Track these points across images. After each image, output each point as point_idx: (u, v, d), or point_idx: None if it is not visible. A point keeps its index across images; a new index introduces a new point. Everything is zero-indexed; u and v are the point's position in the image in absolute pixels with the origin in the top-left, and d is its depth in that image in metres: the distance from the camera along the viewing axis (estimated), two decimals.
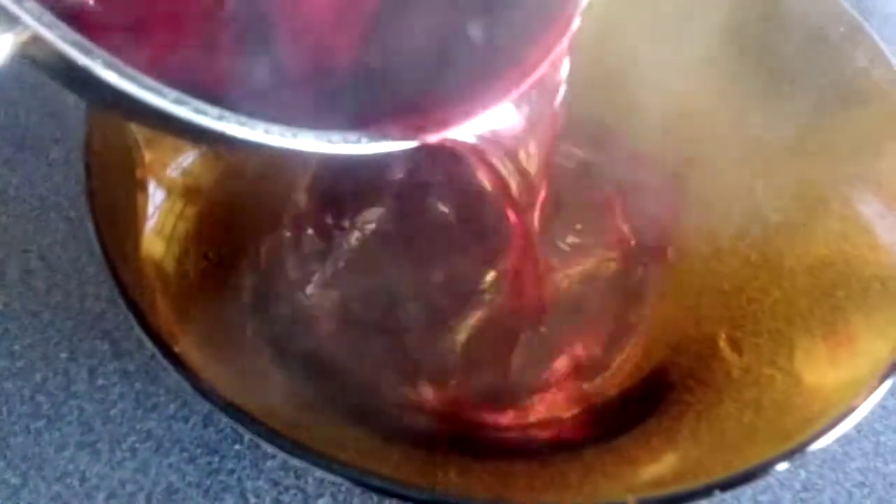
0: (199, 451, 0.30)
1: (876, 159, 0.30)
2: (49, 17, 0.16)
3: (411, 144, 0.21)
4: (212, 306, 0.28)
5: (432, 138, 0.21)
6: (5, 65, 0.16)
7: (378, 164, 0.31)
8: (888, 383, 0.23)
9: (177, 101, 0.17)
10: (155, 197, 0.28)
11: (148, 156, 0.28)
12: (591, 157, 0.37)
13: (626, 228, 0.36)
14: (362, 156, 0.21)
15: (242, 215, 0.33)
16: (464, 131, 0.22)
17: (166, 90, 0.17)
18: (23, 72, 0.18)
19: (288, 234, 0.34)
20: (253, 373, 0.26)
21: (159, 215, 0.28)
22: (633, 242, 0.35)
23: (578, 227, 0.36)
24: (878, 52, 0.30)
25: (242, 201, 0.33)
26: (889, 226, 0.29)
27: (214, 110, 0.18)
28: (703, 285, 0.33)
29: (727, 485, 0.22)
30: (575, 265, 0.35)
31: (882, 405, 0.25)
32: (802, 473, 0.30)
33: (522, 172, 0.24)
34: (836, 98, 0.31)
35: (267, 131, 0.19)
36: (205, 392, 0.22)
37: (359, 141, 0.20)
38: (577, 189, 0.36)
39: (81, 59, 0.16)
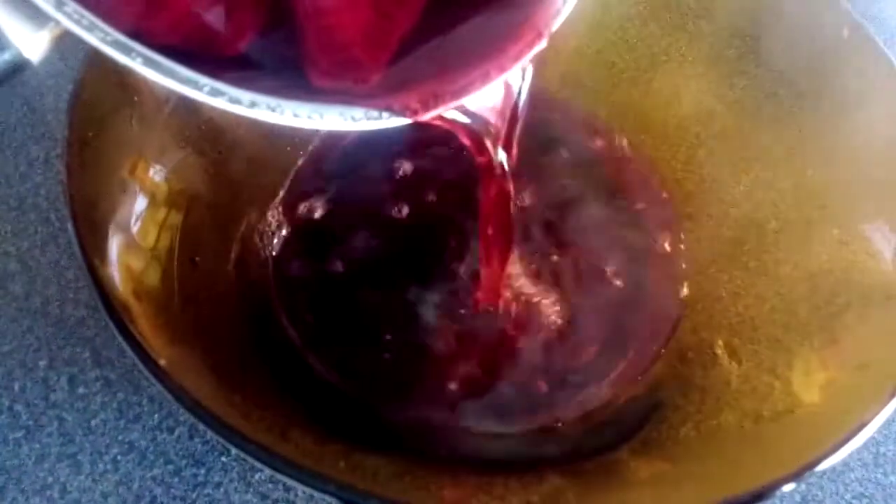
0: (184, 462, 0.29)
1: (875, 164, 0.29)
2: (88, 18, 0.17)
3: (420, 119, 0.23)
4: (197, 313, 0.27)
5: (447, 107, 0.23)
6: (42, 60, 0.17)
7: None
8: None
9: (212, 93, 0.19)
10: (139, 199, 0.27)
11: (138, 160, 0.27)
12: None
13: (624, 232, 0.35)
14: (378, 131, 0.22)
15: (229, 217, 0.32)
16: (456, 109, 0.24)
17: (202, 81, 0.18)
18: None
19: (273, 233, 0.34)
20: (240, 383, 0.26)
21: (144, 217, 0.27)
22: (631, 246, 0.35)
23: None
24: (879, 55, 0.30)
25: (229, 204, 0.32)
26: (889, 232, 0.28)
27: (247, 98, 0.19)
28: (701, 291, 0.33)
29: None
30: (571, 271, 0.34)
31: None
32: (802, 485, 0.30)
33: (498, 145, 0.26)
34: (835, 102, 0.31)
35: (296, 114, 0.20)
36: (189, 406, 0.21)
37: (380, 117, 0.22)
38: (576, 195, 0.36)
39: (122, 59, 0.17)
